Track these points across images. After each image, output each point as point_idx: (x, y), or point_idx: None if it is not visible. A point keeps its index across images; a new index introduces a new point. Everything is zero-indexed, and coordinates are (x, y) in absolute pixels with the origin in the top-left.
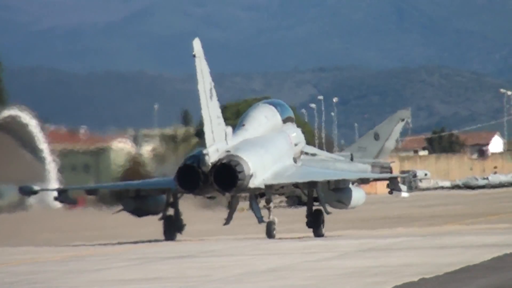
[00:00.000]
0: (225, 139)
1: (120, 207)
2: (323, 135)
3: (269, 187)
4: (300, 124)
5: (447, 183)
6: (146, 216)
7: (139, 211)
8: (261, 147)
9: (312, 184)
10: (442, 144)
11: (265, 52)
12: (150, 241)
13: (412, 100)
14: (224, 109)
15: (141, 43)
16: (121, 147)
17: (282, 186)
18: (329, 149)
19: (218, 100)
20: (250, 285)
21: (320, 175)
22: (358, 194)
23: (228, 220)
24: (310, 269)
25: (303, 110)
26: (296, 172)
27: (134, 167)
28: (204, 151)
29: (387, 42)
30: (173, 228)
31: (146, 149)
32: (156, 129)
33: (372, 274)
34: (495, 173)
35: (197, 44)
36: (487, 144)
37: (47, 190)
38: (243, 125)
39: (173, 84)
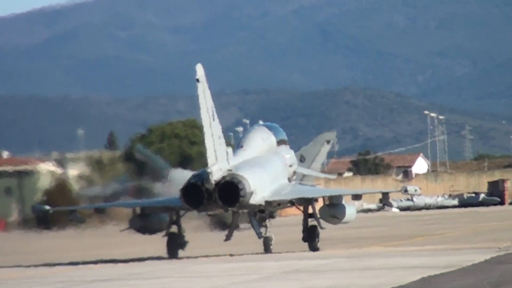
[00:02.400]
0: (227, 158)
1: (127, 225)
2: None
3: (268, 203)
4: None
5: (372, 205)
6: (150, 234)
7: (144, 229)
8: (260, 167)
9: (307, 201)
10: (367, 166)
11: (190, 75)
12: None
13: (337, 122)
14: (149, 132)
15: (65, 66)
16: (46, 170)
17: (279, 203)
18: None
19: (145, 121)
20: None
21: (315, 192)
22: (350, 210)
23: (229, 236)
24: None
25: (230, 133)
26: (292, 190)
27: (59, 190)
28: (208, 170)
29: (312, 64)
30: (176, 245)
31: (72, 172)
32: (81, 152)
33: None
34: (420, 194)
35: (200, 69)
36: (411, 165)
37: (58, 209)
38: (242, 146)
39: (99, 107)
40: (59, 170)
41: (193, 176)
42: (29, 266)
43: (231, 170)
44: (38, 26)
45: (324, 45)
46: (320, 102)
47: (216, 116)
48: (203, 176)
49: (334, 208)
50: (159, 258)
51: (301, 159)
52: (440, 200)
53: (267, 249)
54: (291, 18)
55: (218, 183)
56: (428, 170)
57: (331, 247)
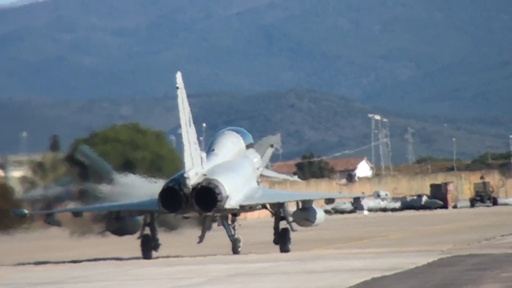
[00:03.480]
0: (201, 163)
1: (103, 227)
2: None
3: (242, 207)
4: (168, 151)
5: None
6: (125, 235)
7: (120, 231)
8: (233, 171)
9: (279, 205)
10: (312, 169)
11: (134, 78)
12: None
13: (281, 125)
14: (92, 135)
15: (8, 69)
16: None
17: (251, 207)
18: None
19: (88, 125)
20: None
21: (287, 196)
22: (320, 213)
23: (201, 239)
24: None
25: (173, 137)
26: (264, 194)
27: (1, 193)
28: (185, 175)
29: (256, 67)
30: (149, 246)
31: (14, 175)
32: (24, 155)
33: None
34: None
35: (179, 77)
36: (355, 169)
37: (37, 213)
38: (213, 150)
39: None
40: (1, 173)
41: (170, 181)
42: None
43: (205, 174)
44: None
45: (268, 47)
46: (264, 105)
47: (192, 122)
48: (180, 181)
49: (306, 212)
50: (102, 260)
51: None
52: (383, 203)
53: (235, 250)
54: (235, 21)
55: (195, 188)
56: (371, 173)
57: (273, 250)
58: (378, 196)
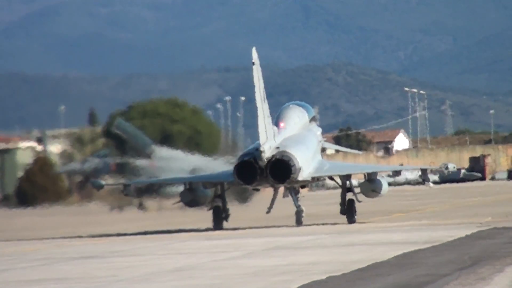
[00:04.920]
0: (274, 137)
1: (177, 199)
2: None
3: (314, 179)
4: (206, 125)
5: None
6: (196, 207)
7: (193, 202)
8: (302, 144)
9: (347, 177)
10: (349, 142)
11: (171, 52)
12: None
13: (319, 99)
14: (130, 109)
15: (45, 44)
16: (26, 147)
17: (319, 178)
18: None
19: (125, 100)
20: (157, 285)
21: (355, 168)
22: (385, 184)
23: (269, 209)
24: (217, 268)
25: (210, 112)
26: (332, 166)
27: (40, 167)
28: (261, 148)
29: (293, 41)
30: (221, 217)
31: (53, 149)
32: (62, 130)
33: (279, 273)
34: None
35: (254, 53)
36: (392, 141)
37: (114, 185)
38: (281, 125)
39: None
40: (39, 147)
41: (245, 154)
42: (15, 241)
43: (278, 147)
44: (16, 3)
45: (305, 21)
46: (302, 79)
47: (265, 97)
48: (254, 154)
49: (373, 183)
50: (144, 234)
51: None
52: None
53: (298, 221)
54: None
55: (269, 161)
56: (409, 146)
57: (311, 223)
58: (447, 168)
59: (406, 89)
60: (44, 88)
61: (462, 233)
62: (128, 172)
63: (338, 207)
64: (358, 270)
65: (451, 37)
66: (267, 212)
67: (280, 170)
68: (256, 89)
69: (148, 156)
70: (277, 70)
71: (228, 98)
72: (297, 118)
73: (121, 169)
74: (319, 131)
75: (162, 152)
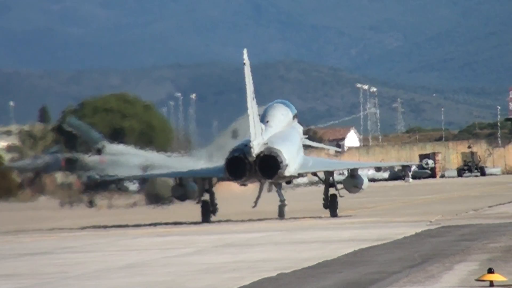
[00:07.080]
0: (261, 134)
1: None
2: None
3: (299, 175)
4: (159, 121)
5: (304, 180)
6: (186, 201)
7: (183, 197)
8: (288, 141)
9: (330, 173)
10: None
11: (122, 49)
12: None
13: (271, 96)
14: (81, 105)
15: None
16: None
17: (302, 174)
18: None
19: (77, 95)
20: (107, 282)
21: (338, 164)
22: (366, 180)
23: (255, 203)
24: (168, 265)
25: (164, 109)
26: (316, 162)
27: None
28: (250, 144)
29: (245, 38)
30: (209, 211)
31: (3, 145)
32: (13, 126)
33: (229, 270)
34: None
35: (245, 53)
36: (344, 139)
37: (107, 180)
38: (267, 121)
39: (31, 80)
40: None
41: (235, 150)
42: None
43: (266, 143)
44: None
45: (257, 18)
46: (253, 76)
47: (254, 96)
48: (244, 150)
49: (355, 179)
50: (93, 230)
51: (234, 135)
52: (370, 173)
53: (281, 214)
54: None
55: (258, 156)
56: (360, 143)
57: (263, 220)
58: (427, 164)
59: (358, 85)
60: None
61: (412, 231)
62: (78, 168)
63: (318, 203)
64: (309, 267)
65: (402, 34)
66: (253, 207)
67: (269, 165)
68: (247, 88)
69: (99, 151)
70: (229, 67)
71: (179, 94)
72: (282, 116)
73: (70, 165)
74: (300, 128)
75: (113, 147)
